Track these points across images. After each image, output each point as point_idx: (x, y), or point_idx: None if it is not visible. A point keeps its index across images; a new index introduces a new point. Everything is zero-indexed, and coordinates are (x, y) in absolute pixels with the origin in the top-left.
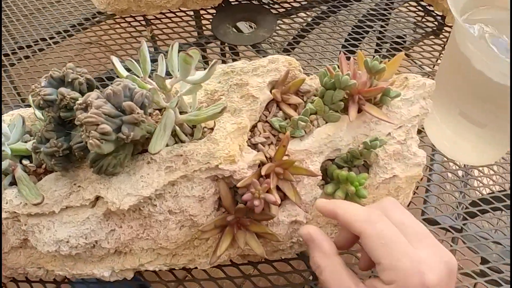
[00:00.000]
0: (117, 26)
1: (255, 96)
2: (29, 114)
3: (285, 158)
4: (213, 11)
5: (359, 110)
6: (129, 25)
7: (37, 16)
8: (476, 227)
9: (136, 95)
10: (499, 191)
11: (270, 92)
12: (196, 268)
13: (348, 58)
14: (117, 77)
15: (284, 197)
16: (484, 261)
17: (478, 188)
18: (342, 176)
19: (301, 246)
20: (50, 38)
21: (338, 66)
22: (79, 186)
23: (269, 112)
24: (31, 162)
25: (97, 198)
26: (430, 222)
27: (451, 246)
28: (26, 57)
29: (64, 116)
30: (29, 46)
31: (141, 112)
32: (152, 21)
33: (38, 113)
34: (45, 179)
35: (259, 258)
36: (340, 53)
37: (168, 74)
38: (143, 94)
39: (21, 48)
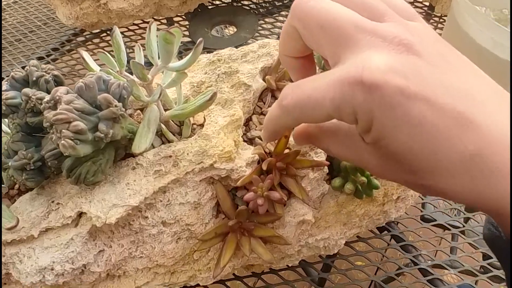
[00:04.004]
0: (91, 44)
1: (247, 84)
2: None
3: (286, 151)
4: (189, 17)
5: None
6: (102, 40)
7: (10, 50)
8: (476, 222)
9: (112, 86)
10: None
11: (263, 80)
12: (198, 285)
13: None
14: None
15: (288, 195)
16: (485, 256)
17: None
18: (351, 166)
19: (310, 249)
20: None
21: None
22: (58, 203)
23: (264, 103)
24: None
25: (80, 214)
26: (428, 220)
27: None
28: None
29: (32, 121)
30: None
31: (119, 105)
32: (125, 33)
33: (4, 126)
34: (19, 200)
35: (263, 268)
36: None
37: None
38: (121, 85)
39: None
